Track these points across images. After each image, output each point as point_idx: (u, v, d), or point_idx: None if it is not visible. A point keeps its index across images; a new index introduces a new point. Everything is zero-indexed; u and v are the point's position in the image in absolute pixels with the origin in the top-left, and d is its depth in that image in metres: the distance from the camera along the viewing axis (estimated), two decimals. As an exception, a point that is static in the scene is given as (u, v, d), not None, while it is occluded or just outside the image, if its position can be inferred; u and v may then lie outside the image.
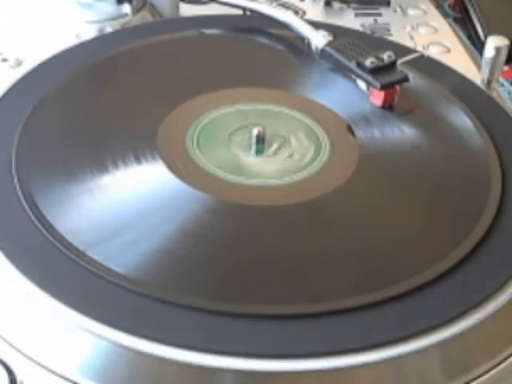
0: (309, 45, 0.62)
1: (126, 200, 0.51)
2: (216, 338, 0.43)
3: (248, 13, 0.68)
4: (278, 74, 0.62)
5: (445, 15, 0.77)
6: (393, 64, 0.59)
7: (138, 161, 0.53)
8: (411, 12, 0.75)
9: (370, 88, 0.59)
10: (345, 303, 0.45)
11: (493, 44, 0.62)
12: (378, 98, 0.58)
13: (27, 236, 0.48)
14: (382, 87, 0.58)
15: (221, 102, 0.58)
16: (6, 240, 0.48)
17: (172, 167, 0.52)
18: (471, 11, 0.77)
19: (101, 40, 0.65)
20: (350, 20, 0.73)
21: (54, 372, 0.44)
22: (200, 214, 0.50)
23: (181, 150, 0.54)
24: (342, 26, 0.69)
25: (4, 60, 0.65)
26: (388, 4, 0.76)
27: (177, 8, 0.72)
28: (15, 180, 0.51)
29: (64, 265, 0.46)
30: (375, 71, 0.58)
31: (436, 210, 0.52)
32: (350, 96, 0.60)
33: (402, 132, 0.57)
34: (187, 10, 0.73)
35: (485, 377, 0.45)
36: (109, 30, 0.67)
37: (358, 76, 0.59)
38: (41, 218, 0.49)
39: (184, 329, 0.44)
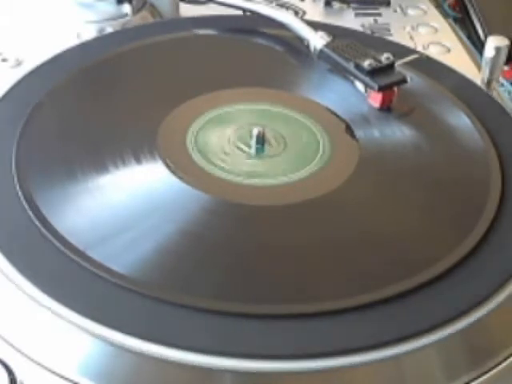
0: (308, 45, 0.62)
1: (126, 200, 0.51)
2: (216, 338, 0.43)
3: (247, 13, 0.68)
4: (277, 74, 0.62)
5: (445, 15, 0.77)
6: (391, 65, 0.59)
7: (138, 161, 0.53)
8: (411, 12, 0.76)
9: (368, 89, 0.59)
10: (345, 303, 0.45)
11: (493, 44, 0.62)
12: (375, 99, 0.58)
13: (27, 236, 0.48)
14: (380, 89, 0.58)
15: (220, 102, 0.58)
16: (6, 240, 0.48)
17: (172, 167, 0.52)
18: (471, 11, 0.77)
19: (101, 40, 0.65)
20: (349, 20, 0.73)
21: (54, 372, 0.44)
22: (200, 214, 0.50)
23: (181, 150, 0.54)
24: (342, 26, 0.69)
25: (4, 60, 0.65)
26: (388, 4, 0.76)
27: (177, 8, 0.72)
28: (15, 180, 0.51)
29: (64, 265, 0.46)
30: (373, 73, 0.58)
31: (436, 209, 0.52)
32: (349, 96, 0.60)
33: (402, 132, 0.57)
34: (187, 10, 0.73)
35: (485, 377, 0.45)
36: (109, 30, 0.67)
37: (356, 77, 0.59)
38: (41, 217, 0.49)
39: (185, 329, 0.44)
